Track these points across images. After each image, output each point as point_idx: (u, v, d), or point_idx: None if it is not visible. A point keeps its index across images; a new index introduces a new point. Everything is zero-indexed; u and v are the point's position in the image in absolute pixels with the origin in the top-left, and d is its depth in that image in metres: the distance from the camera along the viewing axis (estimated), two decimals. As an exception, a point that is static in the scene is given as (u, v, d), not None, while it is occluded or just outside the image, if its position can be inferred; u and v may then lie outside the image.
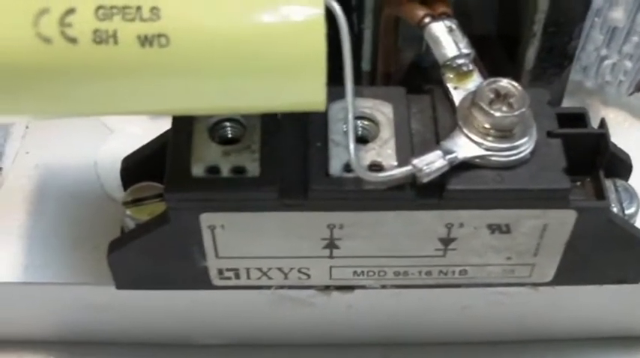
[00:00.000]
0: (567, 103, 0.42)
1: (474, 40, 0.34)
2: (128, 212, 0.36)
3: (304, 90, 0.28)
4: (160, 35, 0.27)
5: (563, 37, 0.39)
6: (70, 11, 0.27)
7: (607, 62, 0.43)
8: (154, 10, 0.27)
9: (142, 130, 0.42)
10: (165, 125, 0.37)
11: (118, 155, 0.39)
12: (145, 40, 0.27)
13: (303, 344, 0.42)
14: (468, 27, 0.34)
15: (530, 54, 0.39)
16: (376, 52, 0.39)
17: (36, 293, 0.39)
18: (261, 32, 0.27)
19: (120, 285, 0.37)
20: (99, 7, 0.27)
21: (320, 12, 0.27)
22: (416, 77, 0.41)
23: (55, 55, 0.27)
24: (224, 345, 0.42)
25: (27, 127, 0.43)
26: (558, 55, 0.39)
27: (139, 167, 0.37)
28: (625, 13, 0.40)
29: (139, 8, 0.27)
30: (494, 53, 0.41)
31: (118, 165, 0.38)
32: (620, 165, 0.37)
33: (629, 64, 0.42)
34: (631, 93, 0.44)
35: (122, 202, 0.36)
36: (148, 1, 0.27)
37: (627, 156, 0.38)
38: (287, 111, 0.30)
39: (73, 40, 0.27)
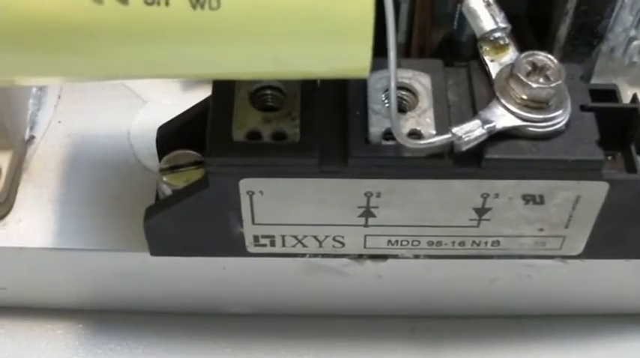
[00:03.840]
0: (595, 82, 0.42)
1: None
2: (165, 179, 0.37)
3: (352, 55, 0.29)
4: (211, -2, 0.27)
5: (595, 16, 0.39)
6: (123, -27, 0.27)
7: (635, 43, 0.43)
8: (207, -29, 0.27)
9: (175, 101, 0.43)
10: (197, 97, 0.38)
11: (152, 125, 0.39)
12: (196, 2, 0.28)
13: (333, 315, 0.42)
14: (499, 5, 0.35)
15: (562, 32, 0.40)
16: (411, 26, 0.39)
17: (68, 260, 0.40)
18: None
19: (154, 252, 0.38)
20: (152, -31, 0.27)
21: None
22: (447, 54, 0.41)
23: (106, 15, 0.28)
24: (254, 315, 0.42)
25: (59, 97, 0.44)
26: (589, 33, 0.40)
27: (175, 135, 0.38)
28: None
29: (191, -30, 0.27)
30: (523, 32, 0.42)
31: (152, 135, 0.39)
32: (647, 142, 0.38)
33: (657, 46, 0.43)
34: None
35: (159, 169, 0.37)
36: (199, -37, 0.27)
37: (655, 133, 0.38)
38: (333, 77, 0.30)
39: (124, 1, 0.27)
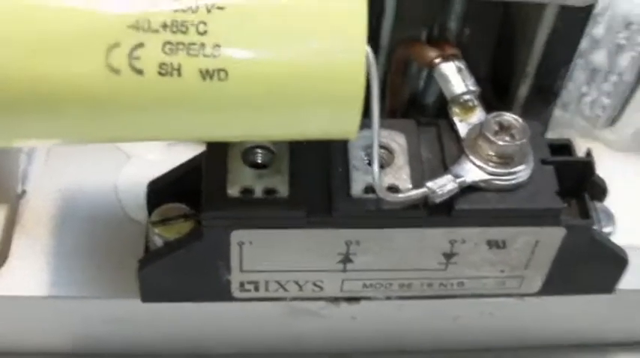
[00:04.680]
0: (548, 135, 0.46)
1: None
2: (157, 230, 0.39)
3: (344, 121, 0.32)
4: (220, 70, 0.30)
5: (552, 77, 0.43)
6: (139, 45, 0.30)
7: (586, 99, 0.47)
8: (216, 47, 0.30)
9: (158, 156, 0.46)
10: (180, 152, 0.41)
11: (137, 179, 0.42)
12: (206, 74, 0.30)
13: (311, 353, 0.45)
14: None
15: (522, 91, 0.43)
16: (384, 89, 0.43)
17: (62, 307, 0.42)
18: (311, 71, 0.31)
19: (145, 298, 0.40)
20: (166, 43, 0.30)
21: (362, 56, 0.30)
22: (413, 112, 0.45)
23: (122, 84, 0.30)
24: (239, 354, 0.45)
25: (48, 152, 0.46)
26: (546, 92, 0.44)
27: (165, 190, 0.40)
28: (606, 55, 0.44)
29: (202, 45, 0.30)
30: (487, 93, 0.45)
31: (138, 189, 0.41)
32: (597, 190, 0.42)
33: (606, 101, 0.47)
34: (605, 127, 0.49)
35: (151, 222, 0.39)
36: (211, 38, 0.30)
37: (603, 181, 0.42)
38: (323, 138, 0.34)
39: (139, 72, 0.30)
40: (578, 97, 0.47)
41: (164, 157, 0.44)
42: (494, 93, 0.44)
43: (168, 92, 0.31)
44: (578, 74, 0.46)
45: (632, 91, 0.47)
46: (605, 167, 0.42)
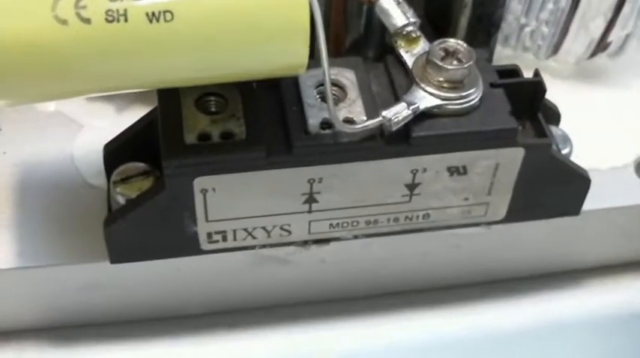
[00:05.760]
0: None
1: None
2: (118, 190, 0.39)
3: (292, 54, 0.33)
4: (165, 11, 0.31)
5: (491, 6, 0.44)
6: (84, -5, 0.30)
7: (526, 29, 0.48)
8: (160, -13, 0.30)
9: (110, 122, 0.46)
10: (131, 117, 0.41)
11: (92, 146, 0.43)
12: (152, 17, 0.31)
13: (282, 305, 0.46)
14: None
15: (462, 23, 0.44)
16: (328, 32, 0.43)
17: (31, 278, 0.42)
18: (255, 5, 0.31)
19: (114, 259, 0.40)
20: (110, -11, 0.30)
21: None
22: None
23: (71, 35, 0.31)
24: (208, 313, 0.45)
25: (0, 129, 0.46)
26: (487, 22, 0.44)
27: (120, 150, 0.41)
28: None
29: (146, -13, 0.30)
30: (424, 29, 0.46)
31: (94, 156, 0.42)
32: (550, 114, 0.42)
33: (545, 30, 0.48)
34: (548, 57, 0.49)
35: (112, 182, 0.40)
36: (153, -20, 0.30)
37: (555, 106, 0.43)
38: (274, 76, 0.34)
39: (87, 21, 0.31)
40: (518, 29, 0.48)
41: (116, 122, 0.44)
42: (434, 30, 0.44)
43: (116, 38, 0.31)
44: (515, 5, 0.47)
45: (570, 18, 0.47)
46: (553, 97, 0.43)
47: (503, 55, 0.49)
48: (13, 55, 0.30)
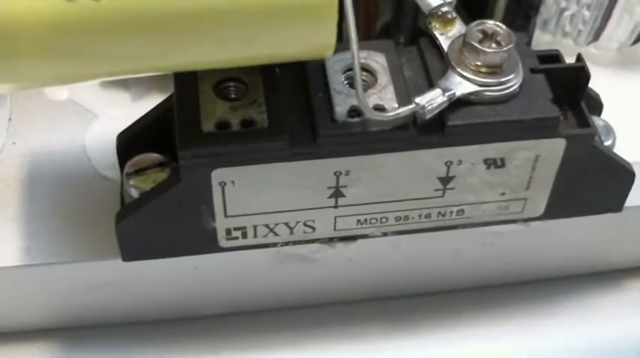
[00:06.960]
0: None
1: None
2: (132, 182, 0.37)
3: (320, 33, 0.30)
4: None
5: (529, -13, 0.41)
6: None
7: (566, 13, 0.45)
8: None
9: (125, 112, 0.44)
10: (147, 106, 0.39)
11: (106, 137, 0.40)
12: None
13: (305, 306, 0.43)
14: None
15: (501, 5, 0.41)
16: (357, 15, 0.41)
17: (40, 276, 0.39)
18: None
19: (126, 257, 0.38)
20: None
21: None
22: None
23: (79, 12, 0.28)
24: (229, 314, 0.43)
25: (10, 119, 0.44)
26: (525, 5, 0.42)
27: (134, 141, 0.38)
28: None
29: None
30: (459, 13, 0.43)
31: (107, 147, 0.40)
32: (591, 103, 0.40)
33: (587, 14, 0.45)
34: (589, 43, 0.46)
35: (125, 174, 0.37)
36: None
37: (597, 94, 0.40)
38: (299, 58, 0.32)
39: (93, -2, 0.28)
40: (558, 12, 0.46)
41: (132, 111, 0.42)
42: (469, 16, 0.42)
43: (127, 14, 0.29)
44: (554, -14, 0.44)
45: (613, 2, 0.45)
46: (594, 85, 0.40)
47: (540, 40, 0.47)
48: (20, 34, 0.28)
